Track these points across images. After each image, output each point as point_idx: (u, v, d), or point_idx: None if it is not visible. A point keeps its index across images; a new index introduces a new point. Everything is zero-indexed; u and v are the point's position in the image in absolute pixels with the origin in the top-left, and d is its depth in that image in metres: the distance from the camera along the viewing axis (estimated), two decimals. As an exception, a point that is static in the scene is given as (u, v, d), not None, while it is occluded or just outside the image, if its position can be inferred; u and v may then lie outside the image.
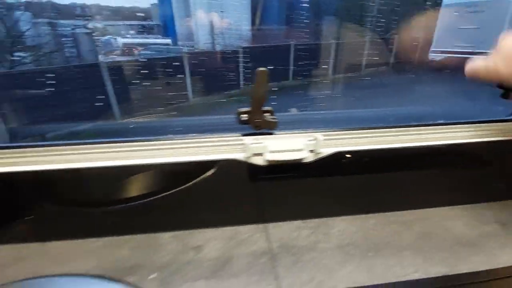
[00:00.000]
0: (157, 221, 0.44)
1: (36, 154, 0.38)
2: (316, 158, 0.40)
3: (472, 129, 0.43)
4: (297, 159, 0.40)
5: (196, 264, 0.38)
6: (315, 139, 0.40)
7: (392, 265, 0.37)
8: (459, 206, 0.49)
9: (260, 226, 0.44)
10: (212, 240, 0.42)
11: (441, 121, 0.43)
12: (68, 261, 0.39)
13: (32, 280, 0.36)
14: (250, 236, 0.42)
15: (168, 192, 0.43)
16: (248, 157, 0.40)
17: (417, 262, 0.37)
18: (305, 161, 0.41)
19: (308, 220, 0.44)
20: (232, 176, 0.42)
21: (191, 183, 0.42)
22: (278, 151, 0.40)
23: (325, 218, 0.44)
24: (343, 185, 0.44)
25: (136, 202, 0.42)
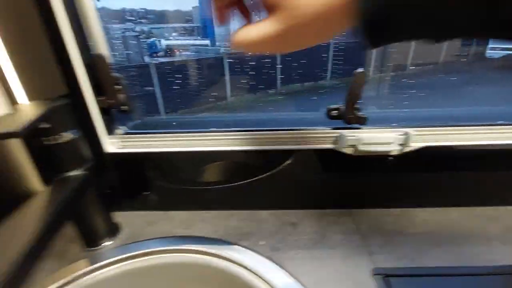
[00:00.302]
0: (255, 200, 0.51)
1: (162, 139, 0.48)
2: (404, 151, 0.44)
3: None
4: (386, 151, 0.45)
5: (297, 236, 0.44)
6: (406, 134, 0.44)
7: (480, 252, 0.40)
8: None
9: (344, 211, 0.49)
10: (305, 219, 0.48)
11: None
12: (189, 226, 0.48)
13: (167, 238, 0.46)
14: (338, 218, 0.48)
15: (264, 175, 0.50)
16: (342, 148, 0.45)
17: (506, 252, 0.40)
18: (393, 153, 0.45)
19: (391, 209, 0.48)
20: (322, 165, 0.48)
21: (279, 168, 0.49)
22: (370, 144, 0.45)
23: (407, 208, 0.48)
24: (426, 179, 0.48)
25: (241, 183, 0.50)
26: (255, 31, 0.22)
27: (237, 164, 0.51)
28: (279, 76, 3.74)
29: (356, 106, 0.45)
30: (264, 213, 0.49)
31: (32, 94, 0.43)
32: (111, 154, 0.46)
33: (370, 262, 0.39)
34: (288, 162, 0.47)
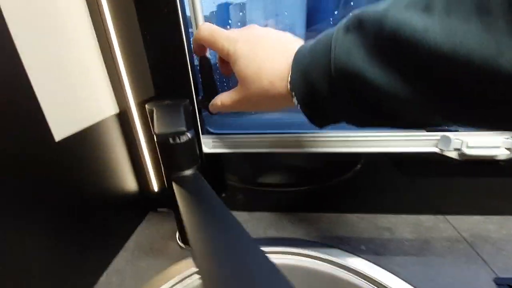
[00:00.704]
0: (341, 203, 0.50)
1: (251, 139, 0.47)
2: (511, 156, 0.42)
3: None
4: (492, 156, 0.43)
5: (397, 242, 0.43)
6: None
7: None
8: None
9: (440, 217, 0.47)
10: (399, 224, 0.47)
11: None
12: (279, 228, 0.48)
13: (263, 240, 0.45)
14: (435, 225, 0.46)
15: (351, 177, 0.49)
16: (447, 151, 0.44)
17: None
18: (499, 158, 0.43)
19: (490, 216, 0.46)
20: (417, 168, 0.46)
21: (368, 170, 0.48)
22: (475, 147, 0.43)
23: (508, 216, 0.46)
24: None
25: (324, 185, 0.49)
26: (227, 97, 0.31)
27: (324, 165, 0.50)
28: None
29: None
30: (353, 217, 0.48)
31: (140, 96, 0.44)
32: (205, 154, 0.47)
33: (488, 270, 0.37)
34: (378, 164, 0.46)
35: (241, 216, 0.50)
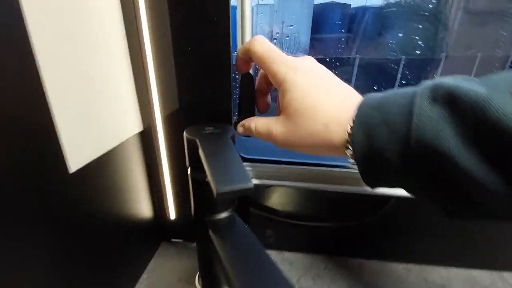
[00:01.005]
0: (384, 247, 0.45)
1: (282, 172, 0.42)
2: None
3: None
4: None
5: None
6: None
7: None
8: None
9: (495, 273, 0.42)
10: (453, 281, 0.41)
11: None
12: (315, 276, 0.41)
13: None
14: (492, 284, 0.41)
15: (393, 217, 0.43)
16: None
17: None
18: None
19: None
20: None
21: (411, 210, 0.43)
22: None
23: None
24: None
25: (364, 222, 0.44)
26: (264, 124, 0.27)
27: (364, 200, 0.44)
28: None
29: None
30: (399, 268, 0.43)
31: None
32: None
33: None
34: (425, 203, 0.41)
35: (271, 257, 0.44)
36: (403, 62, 3.86)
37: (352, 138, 0.21)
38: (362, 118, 0.21)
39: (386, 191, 0.40)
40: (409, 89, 0.21)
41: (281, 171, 0.41)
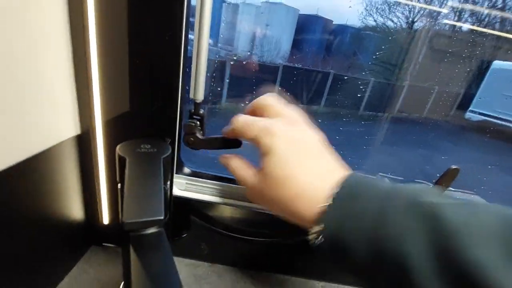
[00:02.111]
0: (307, 267, 0.48)
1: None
2: None
3: None
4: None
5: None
6: None
7: None
8: None
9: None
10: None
11: None
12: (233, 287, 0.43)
13: None
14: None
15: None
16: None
17: None
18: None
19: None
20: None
21: None
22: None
23: None
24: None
25: (292, 240, 0.46)
26: (245, 171, 0.27)
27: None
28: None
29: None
30: (317, 286, 0.46)
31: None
32: (175, 197, 0.40)
33: None
34: None
35: (201, 268, 0.45)
36: (371, 84, 4.12)
37: (326, 220, 0.21)
38: (337, 204, 0.21)
39: None
40: (388, 187, 0.21)
41: (224, 189, 0.42)
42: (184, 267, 0.44)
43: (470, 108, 3.77)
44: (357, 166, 0.44)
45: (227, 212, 0.45)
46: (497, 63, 3.56)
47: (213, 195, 0.42)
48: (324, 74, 4.13)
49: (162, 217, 0.22)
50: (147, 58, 0.33)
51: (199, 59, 0.34)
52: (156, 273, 0.27)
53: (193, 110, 0.35)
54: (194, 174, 0.43)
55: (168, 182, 0.34)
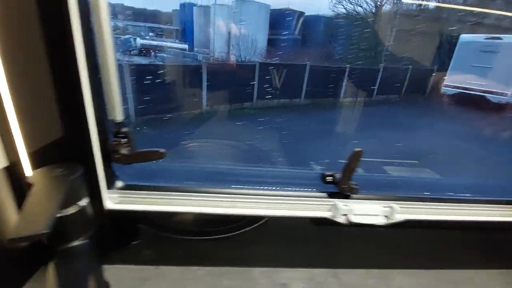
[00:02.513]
0: (246, 257, 0.52)
1: (159, 197, 0.47)
2: (388, 222, 0.49)
3: None
4: (374, 223, 0.49)
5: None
6: (391, 207, 0.49)
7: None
8: (496, 270, 0.57)
9: (331, 271, 0.52)
10: (295, 280, 0.50)
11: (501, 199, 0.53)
12: (183, 285, 0.47)
13: None
14: (325, 280, 0.50)
15: (257, 232, 0.51)
16: (336, 217, 0.49)
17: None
18: (379, 223, 0.50)
19: (372, 270, 0.53)
20: (311, 227, 0.51)
21: (264, 224, 0.51)
22: (360, 215, 0.49)
23: (386, 270, 0.53)
24: (404, 244, 0.53)
25: (230, 234, 0.50)
26: None
27: (233, 218, 0.51)
28: (255, 91, 3.83)
29: (351, 177, 0.49)
30: (256, 272, 0.50)
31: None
32: (109, 210, 0.44)
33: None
34: (283, 221, 0.49)
35: (147, 271, 0.48)
36: (347, 71, 4.19)
37: None
38: None
39: (260, 211, 0.48)
40: None
41: (161, 196, 0.46)
42: (129, 272, 0.47)
43: (444, 83, 3.84)
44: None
45: (167, 216, 0.49)
46: (464, 37, 3.64)
47: (150, 203, 0.46)
48: (301, 66, 4.17)
49: (45, 231, 0.25)
50: (50, 89, 0.36)
51: (106, 76, 0.35)
52: (80, 280, 0.29)
53: (114, 130, 0.37)
54: (129, 187, 0.46)
55: (87, 199, 0.38)
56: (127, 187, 0.46)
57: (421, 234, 0.52)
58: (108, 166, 0.42)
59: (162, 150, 0.40)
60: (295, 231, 0.50)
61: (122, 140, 0.41)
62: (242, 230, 0.51)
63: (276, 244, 0.52)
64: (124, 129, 0.40)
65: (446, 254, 0.54)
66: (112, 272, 0.46)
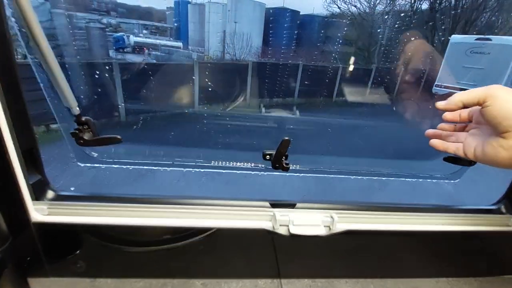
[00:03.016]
0: (188, 268, 0.51)
1: (92, 208, 0.45)
2: (330, 233, 0.48)
3: (461, 219, 0.51)
4: (315, 234, 0.48)
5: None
6: (331, 217, 0.48)
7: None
8: (444, 278, 0.56)
9: (275, 281, 0.51)
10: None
11: (441, 206, 0.52)
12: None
13: None
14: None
15: (194, 240, 0.49)
16: (275, 228, 0.47)
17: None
18: (320, 234, 0.49)
19: (317, 280, 0.52)
20: (254, 238, 0.49)
21: (210, 236, 0.49)
22: (300, 225, 0.47)
23: (332, 279, 0.52)
24: (348, 252, 0.52)
25: (171, 245, 0.49)
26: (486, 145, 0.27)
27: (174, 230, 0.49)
28: (248, 90, 3.82)
29: (283, 157, 0.49)
30: (197, 284, 0.49)
31: None
32: (37, 223, 0.42)
33: None
34: (225, 233, 0.48)
35: (82, 284, 0.47)
36: (341, 70, 4.18)
37: None
38: None
39: (208, 223, 0.46)
40: None
41: (101, 208, 0.44)
42: (64, 285, 0.46)
43: (435, 83, 3.87)
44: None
45: (104, 228, 0.47)
46: (455, 37, 3.65)
47: (85, 215, 0.44)
48: (294, 66, 4.17)
49: None
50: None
51: (51, 70, 0.34)
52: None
53: (75, 120, 0.39)
54: (62, 198, 0.44)
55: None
56: (59, 198, 0.44)
57: (365, 242, 0.51)
58: (38, 176, 0.41)
59: (118, 136, 0.41)
60: (239, 241, 0.49)
61: (84, 126, 0.41)
62: (184, 241, 0.50)
63: (219, 254, 0.50)
64: (85, 118, 0.40)
65: (392, 262, 0.53)
66: (46, 285, 0.44)
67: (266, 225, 0.47)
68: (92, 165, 0.53)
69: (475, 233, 0.50)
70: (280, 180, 1.52)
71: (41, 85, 0.45)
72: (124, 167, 0.66)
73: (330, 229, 0.47)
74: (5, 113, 0.35)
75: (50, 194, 0.44)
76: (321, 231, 0.47)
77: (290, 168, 0.50)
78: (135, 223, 0.45)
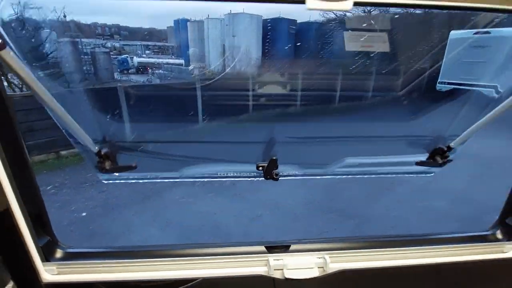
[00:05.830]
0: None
1: (98, 266, 0.44)
2: (323, 274, 0.47)
3: (457, 249, 0.49)
4: (309, 277, 0.47)
5: None
6: (323, 258, 0.47)
7: None
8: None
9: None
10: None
11: (434, 237, 0.50)
12: None
13: None
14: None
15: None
16: (270, 273, 0.47)
17: None
18: (314, 276, 0.47)
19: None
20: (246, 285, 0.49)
21: None
22: (294, 269, 0.47)
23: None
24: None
25: None
26: None
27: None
28: (251, 103, 3.85)
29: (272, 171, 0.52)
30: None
31: None
32: (48, 283, 0.43)
33: None
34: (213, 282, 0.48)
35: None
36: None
37: None
38: None
39: (192, 272, 0.47)
40: None
41: (108, 263, 0.44)
42: None
43: (439, 80, 3.80)
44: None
45: (112, 284, 0.48)
46: (454, 33, 3.61)
47: (90, 272, 0.44)
48: (295, 76, 4.18)
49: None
50: None
51: (61, 118, 0.38)
52: None
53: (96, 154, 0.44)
54: (69, 256, 0.44)
55: (10, 284, 0.38)
56: (68, 256, 0.45)
57: (361, 280, 0.51)
58: (47, 237, 0.43)
59: (133, 164, 0.47)
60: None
61: (104, 158, 0.45)
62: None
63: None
64: (104, 152, 0.44)
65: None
66: None
67: (261, 270, 0.47)
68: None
69: (472, 263, 0.48)
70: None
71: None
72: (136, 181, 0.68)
73: (324, 270, 0.47)
74: (11, 183, 0.36)
75: (59, 253, 0.44)
76: (315, 273, 0.46)
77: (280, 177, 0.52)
78: (141, 277, 0.46)
